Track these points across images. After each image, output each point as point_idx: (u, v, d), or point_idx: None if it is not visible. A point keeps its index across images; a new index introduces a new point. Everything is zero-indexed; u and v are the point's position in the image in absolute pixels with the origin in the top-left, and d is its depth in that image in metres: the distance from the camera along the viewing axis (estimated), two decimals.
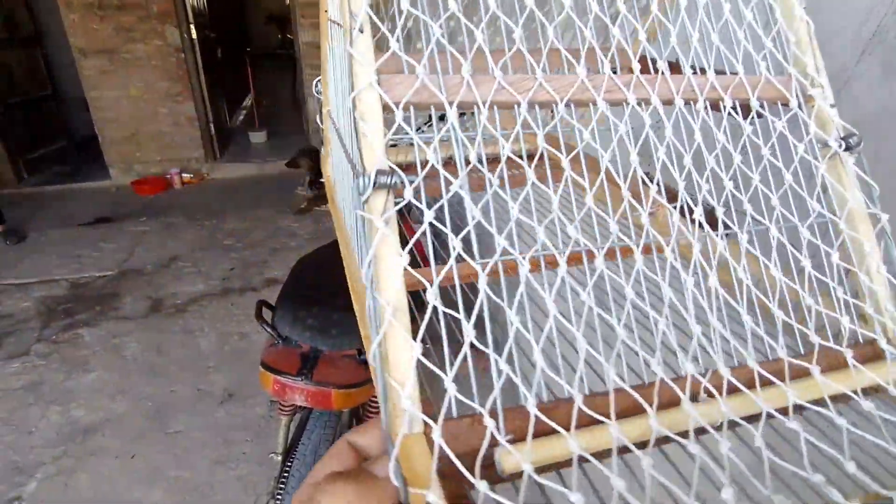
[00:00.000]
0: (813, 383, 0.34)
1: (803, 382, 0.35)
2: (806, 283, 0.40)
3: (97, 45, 4.38)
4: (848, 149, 0.41)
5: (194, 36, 4.66)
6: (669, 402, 0.32)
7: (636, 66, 0.39)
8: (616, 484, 0.26)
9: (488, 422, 0.28)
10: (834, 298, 0.40)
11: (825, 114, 0.44)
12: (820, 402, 0.34)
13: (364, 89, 0.33)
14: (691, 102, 0.42)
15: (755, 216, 0.42)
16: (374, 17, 0.35)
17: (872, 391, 0.36)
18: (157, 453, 1.98)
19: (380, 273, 0.31)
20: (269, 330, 1.21)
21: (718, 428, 0.31)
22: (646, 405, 0.30)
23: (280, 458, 1.44)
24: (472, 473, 0.25)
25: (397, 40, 0.34)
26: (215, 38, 5.56)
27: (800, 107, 0.45)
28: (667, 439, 0.31)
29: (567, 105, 0.38)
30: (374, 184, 0.31)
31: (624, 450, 0.29)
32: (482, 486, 0.25)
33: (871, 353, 0.38)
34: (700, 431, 0.30)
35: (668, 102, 0.41)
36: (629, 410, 0.31)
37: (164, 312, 2.87)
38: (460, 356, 0.30)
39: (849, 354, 0.36)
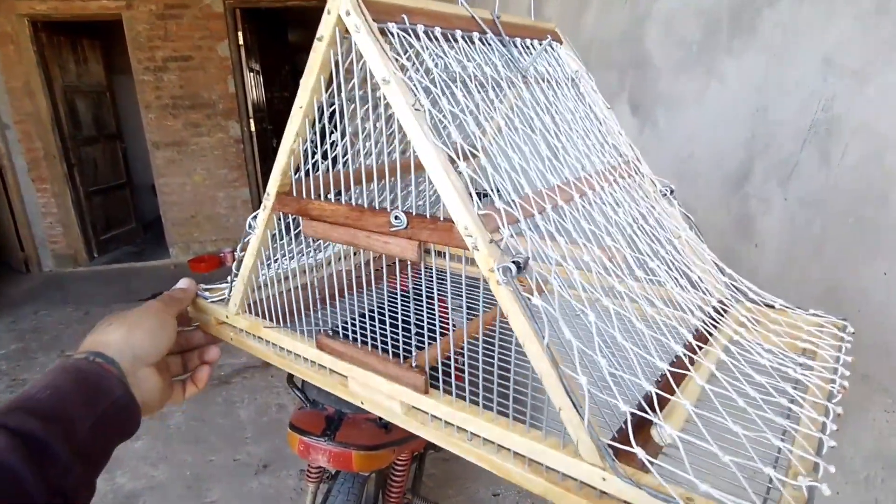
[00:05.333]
0: None
1: None
2: None
3: (168, 138, 4.94)
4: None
5: (253, 129, 5.17)
6: None
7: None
8: None
9: None
10: None
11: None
12: None
13: None
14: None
15: None
16: None
17: None
18: None
19: None
20: (298, 394, 1.30)
21: None
22: None
23: None
24: None
25: None
26: (272, 129, 6.12)
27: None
28: None
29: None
30: None
31: None
32: None
33: None
34: None
35: None
36: None
37: (210, 383, 2.95)
38: None
39: None
